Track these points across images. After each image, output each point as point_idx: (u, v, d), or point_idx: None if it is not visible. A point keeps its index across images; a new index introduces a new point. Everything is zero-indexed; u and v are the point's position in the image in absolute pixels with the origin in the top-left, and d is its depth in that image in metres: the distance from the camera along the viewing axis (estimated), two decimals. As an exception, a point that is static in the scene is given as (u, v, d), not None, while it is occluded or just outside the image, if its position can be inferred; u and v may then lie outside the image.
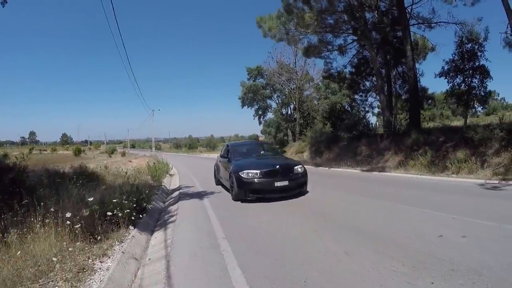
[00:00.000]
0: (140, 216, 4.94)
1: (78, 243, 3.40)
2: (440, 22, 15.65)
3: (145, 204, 5.55)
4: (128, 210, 4.39)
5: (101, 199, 4.56)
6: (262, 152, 8.61)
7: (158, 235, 4.50)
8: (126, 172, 9.63)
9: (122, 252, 3.44)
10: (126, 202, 4.74)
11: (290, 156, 26.09)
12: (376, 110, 26.67)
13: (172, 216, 5.46)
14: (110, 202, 4.43)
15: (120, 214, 4.21)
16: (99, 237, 3.65)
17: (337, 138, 21.69)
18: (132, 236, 4.05)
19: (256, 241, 3.81)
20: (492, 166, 8.88)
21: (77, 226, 3.48)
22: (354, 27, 17.18)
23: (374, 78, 20.66)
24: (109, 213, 4.06)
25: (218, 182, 9.25)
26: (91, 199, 4.14)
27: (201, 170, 17.75)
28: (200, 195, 7.76)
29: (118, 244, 3.70)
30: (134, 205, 4.69)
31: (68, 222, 3.47)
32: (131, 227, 4.35)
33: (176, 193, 8.62)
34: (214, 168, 9.98)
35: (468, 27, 14.23)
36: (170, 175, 15.51)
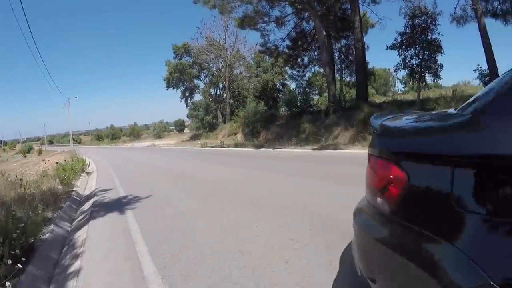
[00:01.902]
0: (20, 265, 2.62)
1: None
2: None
3: (21, 246, 3.10)
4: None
5: None
6: None
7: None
8: (21, 179, 6.68)
9: None
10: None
11: (223, 138, 24.20)
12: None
13: (76, 256, 3.22)
14: None
15: None
16: None
17: (274, 117, 20.84)
18: None
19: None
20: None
21: None
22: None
23: (312, 53, 19.92)
24: None
25: None
26: None
27: (123, 164, 15.11)
28: (121, 206, 5.47)
29: None
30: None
31: None
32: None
33: (89, 203, 6.15)
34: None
35: (415, 2, 14.16)
36: (88, 173, 12.50)
